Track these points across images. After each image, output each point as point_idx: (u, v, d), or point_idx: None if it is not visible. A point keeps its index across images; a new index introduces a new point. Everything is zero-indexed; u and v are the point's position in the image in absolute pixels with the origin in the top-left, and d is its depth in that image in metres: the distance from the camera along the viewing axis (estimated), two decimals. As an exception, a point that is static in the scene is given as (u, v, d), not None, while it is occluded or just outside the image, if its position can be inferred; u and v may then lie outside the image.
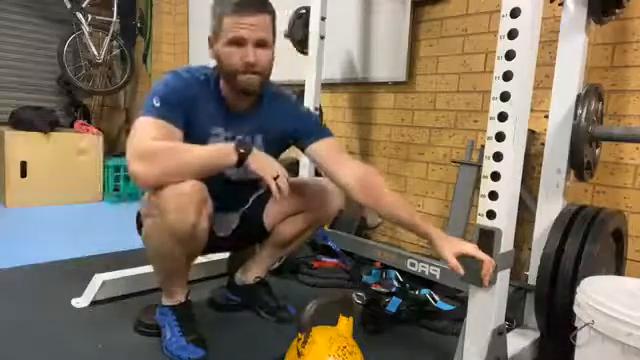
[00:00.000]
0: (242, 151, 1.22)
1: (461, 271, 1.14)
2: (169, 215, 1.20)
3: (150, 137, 1.22)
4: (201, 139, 1.32)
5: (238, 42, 1.28)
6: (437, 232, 1.23)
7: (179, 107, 1.30)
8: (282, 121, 1.44)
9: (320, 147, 1.43)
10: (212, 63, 1.39)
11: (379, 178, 1.38)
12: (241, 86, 1.33)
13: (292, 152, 1.69)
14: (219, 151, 1.25)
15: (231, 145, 1.23)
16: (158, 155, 1.19)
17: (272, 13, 1.34)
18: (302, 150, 1.47)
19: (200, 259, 1.86)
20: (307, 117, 1.52)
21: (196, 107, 1.34)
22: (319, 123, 1.51)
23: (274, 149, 1.46)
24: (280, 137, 1.48)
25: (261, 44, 1.30)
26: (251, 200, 1.61)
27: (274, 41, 1.35)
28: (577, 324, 1.06)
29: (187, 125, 1.31)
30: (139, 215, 1.41)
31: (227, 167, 1.26)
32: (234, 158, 1.22)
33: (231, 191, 1.49)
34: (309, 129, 1.46)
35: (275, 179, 1.24)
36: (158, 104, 1.27)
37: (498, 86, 1.11)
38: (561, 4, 1.45)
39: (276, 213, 1.59)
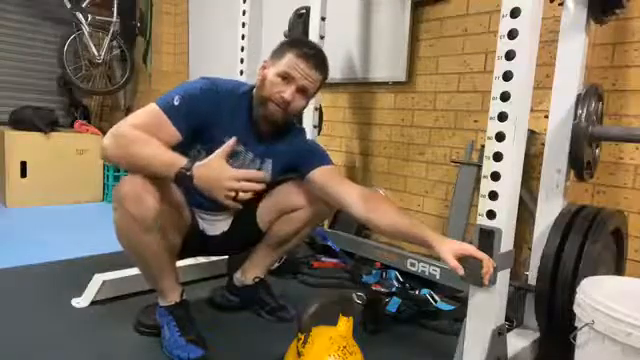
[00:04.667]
0: (182, 169, 1.19)
1: (461, 271, 1.13)
2: (128, 203, 1.23)
3: (135, 123, 1.26)
4: (214, 147, 1.29)
5: (287, 78, 1.38)
6: (435, 235, 1.23)
7: (193, 115, 1.33)
8: (291, 152, 1.51)
9: (322, 172, 1.48)
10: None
11: (381, 194, 1.41)
12: (266, 112, 1.41)
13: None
14: (165, 160, 1.22)
15: (180, 160, 1.21)
16: (125, 138, 1.24)
17: (325, 78, 1.47)
18: (303, 177, 1.51)
19: (200, 259, 1.87)
20: (314, 148, 1.58)
21: (219, 119, 1.38)
22: (324, 153, 1.56)
23: (278, 175, 1.55)
24: (287, 166, 1.55)
25: (302, 91, 1.41)
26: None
27: (313, 96, 1.49)
28: (577, 324, 1.06)
29: (199, 132, 1.34)
30: None
31: (166, 178, 1.23)
32: (172, 173, 1.20)
33: None
34: (314, 157, 1.51)
35: (233, 196, 1.21)
36: (177, 103, 1.31)
37: (498, 86, 1.11)
38: (561, 4, 1.45)
39: (270, 211, 1.59)
